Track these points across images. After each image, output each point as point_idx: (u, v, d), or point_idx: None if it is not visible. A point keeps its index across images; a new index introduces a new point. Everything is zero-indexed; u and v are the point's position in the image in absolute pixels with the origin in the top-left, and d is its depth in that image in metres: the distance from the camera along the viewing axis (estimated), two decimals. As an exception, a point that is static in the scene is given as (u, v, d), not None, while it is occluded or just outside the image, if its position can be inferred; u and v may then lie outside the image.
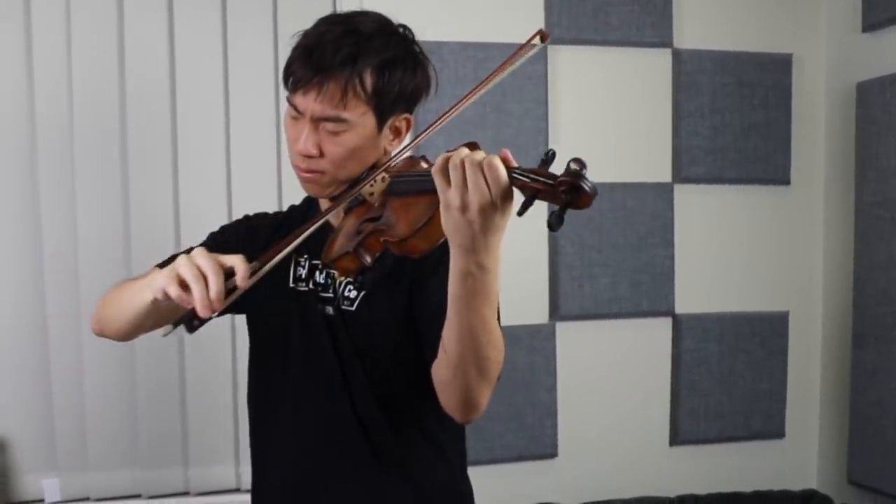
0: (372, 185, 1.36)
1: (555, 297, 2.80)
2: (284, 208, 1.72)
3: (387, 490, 1.48)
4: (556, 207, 1.01)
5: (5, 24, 2.48)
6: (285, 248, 1.27)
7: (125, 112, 2.54)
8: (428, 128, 1.34)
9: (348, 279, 1.46)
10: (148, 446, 2.59)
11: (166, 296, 1.17)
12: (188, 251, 1.59)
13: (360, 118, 1.38)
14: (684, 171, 2.87)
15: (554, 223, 1.00)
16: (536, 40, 1.38)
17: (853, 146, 2.80)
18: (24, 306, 2.54)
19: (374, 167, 1.40)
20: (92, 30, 2.51)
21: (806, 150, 2.98)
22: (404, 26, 1.45)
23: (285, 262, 1.50)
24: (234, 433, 2.64)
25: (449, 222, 1.11)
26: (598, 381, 2.86)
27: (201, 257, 1.17)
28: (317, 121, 1.38)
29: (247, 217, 1.67)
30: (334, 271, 1.46)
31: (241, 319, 1.67)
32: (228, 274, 1.17)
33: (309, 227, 1.31)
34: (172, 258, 1.54)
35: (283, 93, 1.45)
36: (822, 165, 3.00)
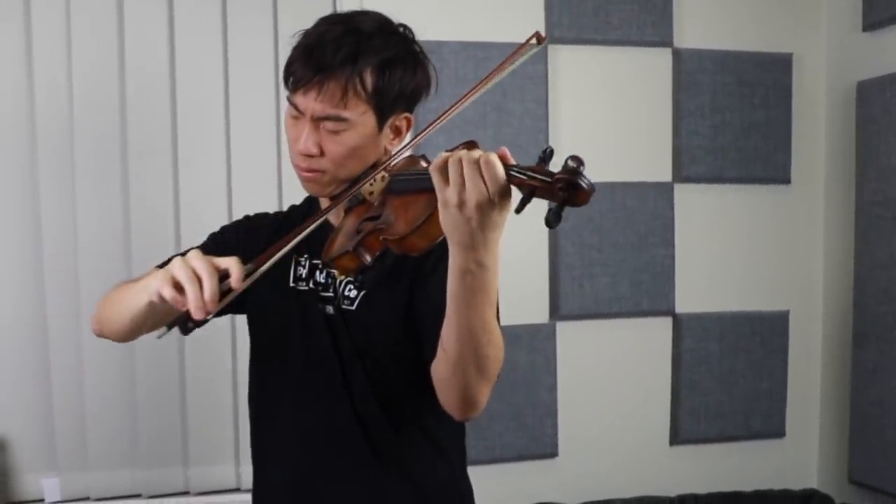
0: (372, 185, 1.37)
1: (555, 296, 2.80)
2: (285, 208, 1.72)
3: (386, 489, 1.48)
4: (554, 205, 1.01)
5: (5, 24, 2.48)
6: (280, 249, 1.27)
7: (125, 111, 2.54)
8: (424, 129, 1.35)
9: (348, 278, 1.46)
10: (148, 446, 2.59)
11: (161, 298, 1.17)
12: (187, 252, 1.60)
13: (361, 117, 1.38)
14: (685, 170, 2.87)
15: (552, 220, 1.01)
16: (533, 42, 1.38)
17: (854, 145, 2.80)
18: (24, 306, 2.54)
19: (374, 166, 1.40)
20: (92, 29, 2.51)
21: (806, 150, 2.97)
22: (404, 26, 1.45)
23: (286, 261, 1.50)
24: (234, 433, 2.64)
25: (447, 220, 1.11)
26: (599, 380, 2.86)
27: (196, 259, 1.17)
28: (317, 120, 1.38)
29: (247, 217, 1.67)
30: (334, 271, 1.46)
31: (241, 319, 1.67)
32: (223, 276, 1.17)
33: (306, 228, 1.31)
34: (173, 259, 1.54)
35: (284, 92, 1.45)
36: (822, 165, 3.00)
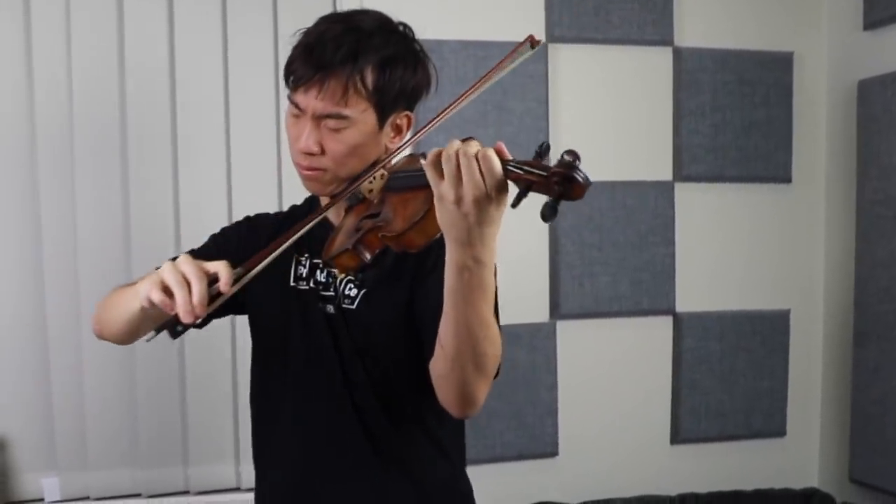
0: (371, 183, 1.37)
1: (555, 295, 2.80)
2: (285, 207, 1.72)
3: (387, 487, 1.48)
4: (550, 199, 1.01)
5: (5, 23, 2.48)
6: (272, 252, 1.28)
7: (125, 111, 2.54)
8: (421, 129, 1.35)
9: (349, 277, 1.46)
10: (148, 445, 2.59)
11: (151, 302, 1.17)
12: (189, 253, 1.60)
13: (362, 115, 1.39)
14: (685, 169, 2.87)
15: (547, 214, 1.00)
16: (527, 46, 1.39)
17: (854, 144, 2.80)
18: (24, 306, 2.54)
19: (373, 165, 1.40)
20: (91, 28, 2.50)
21: (807, 149, 2.97)
22: (404, 24, 1.46)
23: (286, 261, 1.51)
24: (234, 432, 2.64)
25: (444, 215, 1.11)
26: (599, 379, 2.86)
27: (185, 264, 1.18)
28: (318, 118, 1.38)
29: (247, 218, 1.67)
30: (335, 270, 1.46)
31: (241, 319, 1.67)
32: (213, 280, 1.18)
33: (299, 230, 1.31)
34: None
35: (284, 91, 1.45)
36: (823, 163, 3.00)
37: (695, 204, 2.89)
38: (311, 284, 1.51)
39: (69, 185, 2.51)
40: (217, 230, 1.66)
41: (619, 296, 2.83)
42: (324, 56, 1.35)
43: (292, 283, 1.53)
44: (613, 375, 2.87)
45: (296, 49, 1.40)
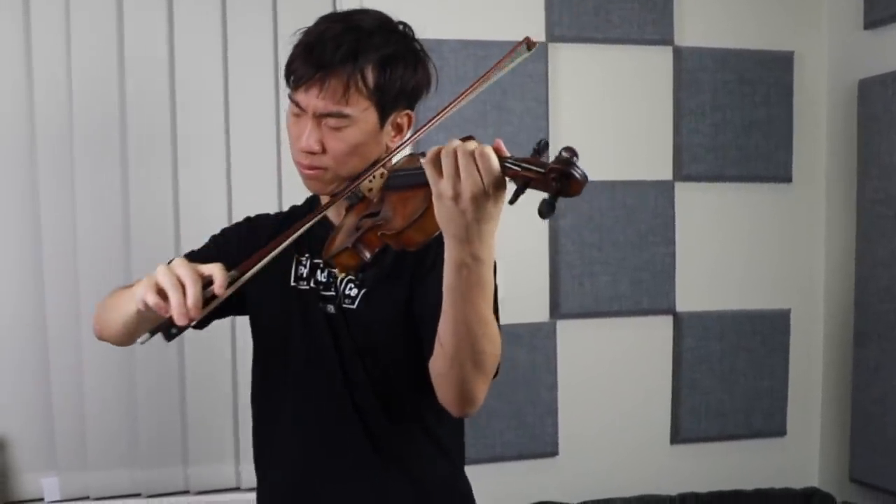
0: (371, 182, 1.38)
1: (555, 295, 2.80)
2: (285, 208, 1.72)
3: (387, 486, 1.48)
4: (548, 195, 1.01)
5: (5, 23, 2.48)
6: (268, 254, 1.28)
7: (125, 111, 2.54)
8: (420, 129, 1.36)
9: (349, 277, 1.46)
10: (147, 445, 2.59)
11: (146, 305, 1.18)
12: (189, 254, 1.61)
13: (363, 113, 1.39)
14: (685, 168, 2.87)
15: (545, 211, 1.00)
16: (523, 48, 1.40)
17: (855, 143, 2.79)
18: (24, 306, 2.54)
19: (374, 164, 1.40)
20: (91, 28, 2.50)
21: (807, 148, 2.97)
22: (404, 23, 1.46)
23: (286, 261, 1.51)
24: (234, 432, 2.64)
25: (442, 212, 1.11)
26: (599, 379, 2.85)
27: (180, 266, 1.18)
28: (319, 117, 1.38)
29: (248, 219, 1.67)
30: (335, 269, 1.46)
31: (241, 319, 1.67)
32: (207, 282, 1.18)
33: (294, 232, 1.32)
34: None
35: (284, 92, 1.45)
36: (823, 163, 2.99)
37: (695, 203, 2.89)
38: (312, 284, 1.51)
39: (69, 184, 2.51)
40: (217, 230, 1.66)
41: (619, 295, 2.83)
42: (324, 55, 1.35)
43: (293, 283, 1.53)
44: (613, 375, 2.87)
45: (296, 48, 1.40)
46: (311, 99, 1.37)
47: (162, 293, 1.16)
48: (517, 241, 2.58)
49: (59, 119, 2.49)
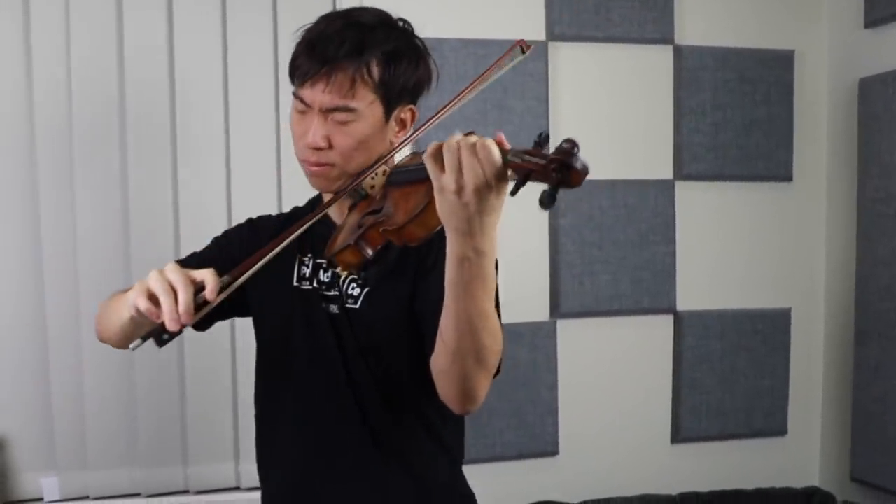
0: (373, 179, 1.38)
1: (556, 294, 2.79)
2: (284, 208, 1.72)
3: (389, 484, 1.48)
4: (549, 186, 1.01)
5: (5, 23, 2.47)
6: (264, 256, 1.28)
7: (124, 111, 2.53)
8: (419, 128, 1.37)
9: (352, 276, 1.46)
10: (147, 445, 2.59)
11: (137, 310, 1.18)
12: (192, 255, 1.61)
13: (369, 107, 1.39)
14: (686, 167, 2.86)
15: (546, 202, 1.00)
16: (517, 51, 1.41)
17: (855, 142, 2.79)
18: (24, 306, 2.53)
19: (376, 161, 1.41)
20: (91, 28, 2.50)
21: (808, 147, 2.97)
22: (404, 20, 1.47)
23: (289, 261, 1.51)
24: (234, 431, 2.63)
25: (444, 206, 1.11)
26: (600, 378, 2.85)
27: (172, 272, 1.18)
28: (326, 112, 1.39)
29: (250, 220, 1.67)
30: (337, 268, 1.46)
31: (241, 318, 1.66)
32: (199, 288, 1.18)
33: (295, 231, 1.32)
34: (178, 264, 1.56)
35: (283, 91, 1.45)
36: (824, 162, 2.99)
37: (695, 202, 2.89)
38: (315, 284, 1.51)
39: (68, 184, 2.50)
40: (216, 230, 1.67)
41: (619, 294, 2.82)
42: (329, 50, 1.36)
43: (295, 284, 1.53)
44: (614, 374, 2.86)
45: (299, 46, 1.41)
46: (317, 94, 1.37)
47: (154, 299, 1.17)
48: (517, 241, 2.58)
49: (59, 118, 2.49)
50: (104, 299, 1.53)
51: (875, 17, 2.72)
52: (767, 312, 2.95)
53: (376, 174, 1.38)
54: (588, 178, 1.01)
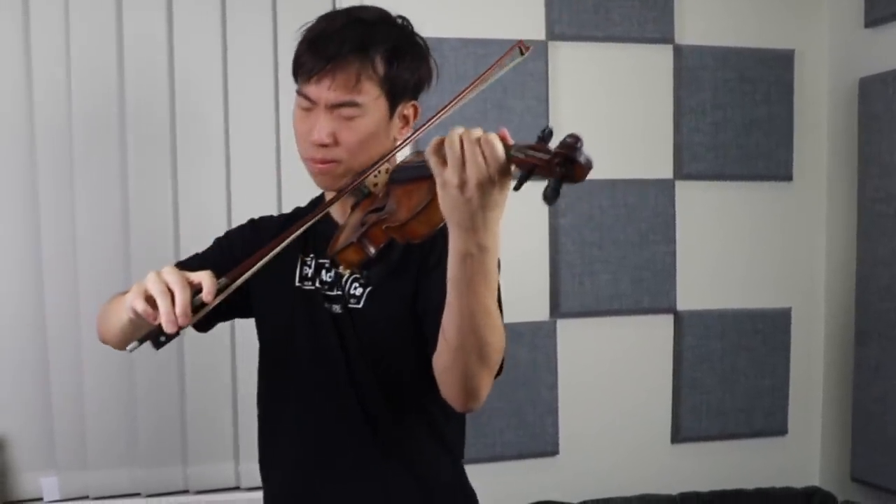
0: (376, 177, 1.38)
1: (556, 294, 2.79)
2: (284, 207, 1.72)
3: (391, 483, 1.48)
4: (552, 181, 1.01)
5: (4, 23, 2.47)
6: (261, 258, 1.28)
7: (124, 111, 2.53)
8: (419, 128, 1.37)
9: (354, 276, 1.46)
10: (147, 444, 2.58)
11: (135, 312, 1.18)
12: (193, 256, 1.61)
13: (374, 102, 1.40)
14: (686, 167, 2.86)
15: (550, 196, 1.00)
16: (516, 52, 1.41)
17: (856, 142, 2.79)
18: (24, 306, 2.53)
19: (380, 159, 1.41)
20: (90, 28, 2.49)
21: (808, 147, 2.96)
22: (403, 17, 1.48)
23: (291, 261, 1.51)
24: (234, 431, 2.63)
25: (447, 201, 1.11)
26: (600, 378, 2.85)
27: (169, 273, 1.18)
28: (331, 108, 1.39)
29: (252, 221, 1.68)
30: (340, 267, 1.46)
31: (241, 318, 1.66)
32: (197, 290, 1.18)
33: (290, 235, 1.32)
34: (179, 265, 1.56)
35: (283, 91, 1.45)
36: (824, 161, 2.99)
37: (695, 202, 2.89)
38: (317, 284, 1.51)
39: (68, 184, 2.50)
40: (216, 230, 1.67)
41: (619, 294, 2.82)
42: (334, 47, 1.36)
43: (297, 284, 1.53)
44: (614, 374, 2.86)
45: (301, 44, 1.41)
46: (323, 91, 1.38)
47: (151, 300, 1.17)
48: (517, 241, 2.58)
49: (59, 118, 2.49)
50: (104, 300, 1.53)
51: (875, 16, 2.72)
52: (768, 312, 2.95)
53: (379, 172, 1.38)
54: (588, 177, 1.01)
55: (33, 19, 2.47)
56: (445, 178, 1.10)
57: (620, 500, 2.76)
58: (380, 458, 1.48)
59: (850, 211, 2.84)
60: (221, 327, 2.49)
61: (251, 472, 2.59)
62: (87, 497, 2.57)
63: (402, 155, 1.49)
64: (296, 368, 1.51)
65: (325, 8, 2.16)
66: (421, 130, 1.38)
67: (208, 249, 1.62)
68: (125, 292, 1.44)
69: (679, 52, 2.84)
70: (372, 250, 1.30)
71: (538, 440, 2.78)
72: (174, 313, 1.15)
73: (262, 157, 2.61)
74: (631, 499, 2.76)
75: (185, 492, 2.63)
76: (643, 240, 2.83)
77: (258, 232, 1.60)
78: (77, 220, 2.51)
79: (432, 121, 1.36)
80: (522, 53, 1.42)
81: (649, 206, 2.83)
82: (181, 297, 1.15)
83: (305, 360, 1.50)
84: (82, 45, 2.49)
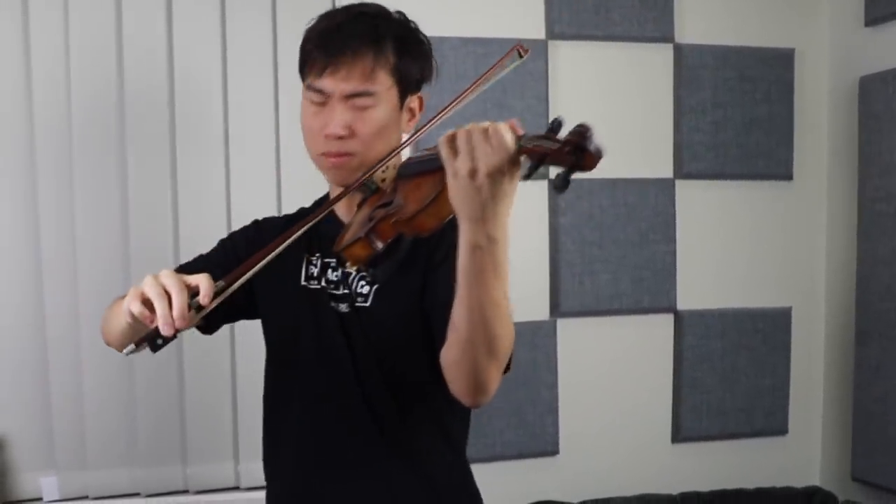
0: (384, 172, 1.39)
1: (556, 293, 2.79)
2: (283, 208, 1.72)
3: (397, 482, 1.48)
4: (563, 169, 1.02)
5: (4, 22, 2.47)
6: (258, 262, 1.28)
7: (124, 110, 2.53)
8: (419, 129, 1.38)
9: (361, 273, 1.46)
10: (147, 444, 2.58)
11: (132, 315, 1.18)
12: (198, 258, 1.61)
13: (387, 92, 1.42)
14: (686, 166, 2.86)
15: (559, 185, 1.01)
16: (514, 55, 1.43)
17: (856, 141, 2.79)
18: (24, 306, 2.53)
19: (388, 154, 1.42)
20: (90, 27, 2.49)
21: (808, 146, 2.96)
22: (401, 13, 1.48)
23: (297, 260, 1.51)
24: (234, 431, 2.63)
25: (457, 192, 1.12)
26: (600, 377, 2.85)
27: (166, 276, 1.18)
28: (346, 98, 1.39)
29: (256, 221, 1.68)
30: (346, 264, 1.46)
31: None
32: (194, 293, 1.18)
33: (290, 236, 1.31)
34: (183, 267, 1.56)
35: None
36: (824, 161, 2.99)
37: (696, 201, 2.89)
38: (323, 283, 1.51)
39: (68, 184, 2.50)
40: (216, 230, 1.68)
41: (619, 294, 2.82)
42: (346, 38, 1.38)
43: (303, 283, 1.53)
44: (614, 374, 2.86)
45: (309, 41, 1.42)
46: (338, 82, 1.38)
47: (148, 303, 1.17)
48: (517, 240, 2.54)
49: (59, 118, 2.49)
50: (104, 300, 1.54)
51: (875, 15, 2.72)
52: (768, 311, 2.95)
53: (386, 168, 1.39)
54: (588, 177, 1.01)
55: (33, 19, 2.47)
56: (456, 168, 1.10)
57: (620, 499, 2.75)
58: (385, 457, 1.47)
59: (850, 210, 2.84)
60: (222, 328, 2.51)
61: (251, 471, 2.59)
62: (86, 497, 2.56)
63: (402, 155, 1.48)
64: (302, 368, 1.51)
65: (325, 7, 2.15)
66: (422, 130, 1.39)
67: (212, 251, 1.63)
68: (125, 296, 1.45)
69: (679, 51, 2.84)
70: (380, 245, 1.29)
71: (538, 440, 2.78)
72: (171, 316, 1.14)
73: (262, 157, 2.61)
74: (631, 499, 2.76)
75: (185, 492, 2.63)
76: (643, 239, 2.83)
77: (261, 233, 1.60)
78: (77, 221, 2.51)
79: (433, 120, 1.37)
80: (521, 56, 1.44)
81: (649, 205, 2.83)
82: (178, 300, 1.15)
83: (311, 359, 1.50)
84: (82, 45, 2.48)
